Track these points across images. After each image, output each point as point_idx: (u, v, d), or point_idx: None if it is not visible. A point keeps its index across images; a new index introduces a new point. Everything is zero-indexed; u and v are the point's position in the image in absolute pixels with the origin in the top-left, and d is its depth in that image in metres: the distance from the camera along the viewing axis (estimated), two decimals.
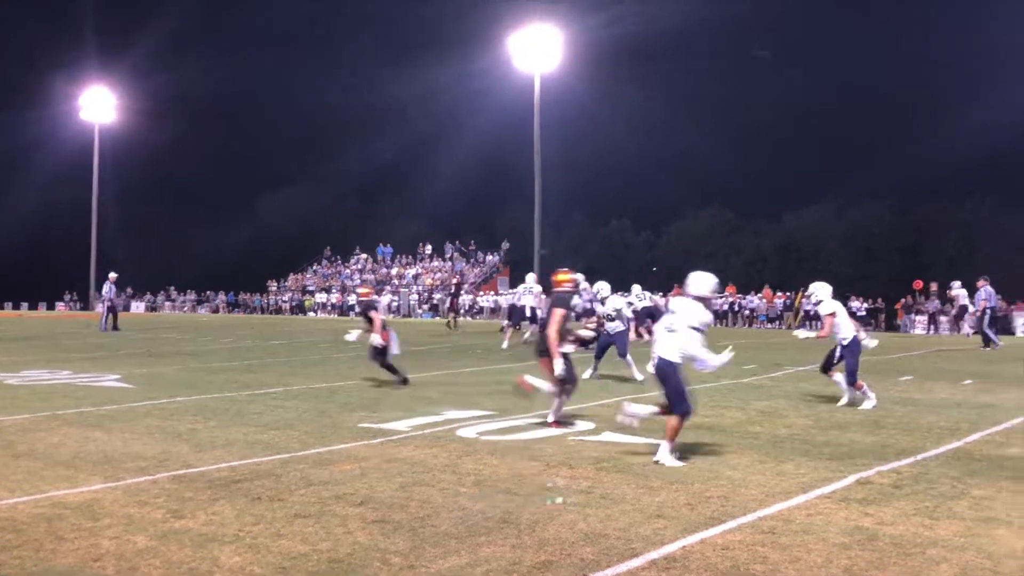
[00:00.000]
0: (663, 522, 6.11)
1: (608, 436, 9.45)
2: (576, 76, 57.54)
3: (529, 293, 25.48)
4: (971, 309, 27.40)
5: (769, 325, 41.67)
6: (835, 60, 79.83)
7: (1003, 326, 36.47)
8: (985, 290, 24.70)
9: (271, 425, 10.15)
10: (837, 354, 12.13)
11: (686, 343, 8.06)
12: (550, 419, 10.09)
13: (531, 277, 26.66)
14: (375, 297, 15.95)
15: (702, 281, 8.30)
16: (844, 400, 12.01)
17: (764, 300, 43.43)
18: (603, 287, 16.02)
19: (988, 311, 24.64)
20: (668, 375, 8.13)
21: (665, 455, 8.02)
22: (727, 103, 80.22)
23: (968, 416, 11.02)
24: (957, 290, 28.97)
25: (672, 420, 8.11)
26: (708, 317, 8.30)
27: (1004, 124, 58.83)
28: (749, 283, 46.63)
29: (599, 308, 15.76)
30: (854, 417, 10.98)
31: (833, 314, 11.91)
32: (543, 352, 9.99)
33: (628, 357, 15.08)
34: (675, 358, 8.10)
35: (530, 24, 47.43)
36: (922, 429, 10.04)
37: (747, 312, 43.30)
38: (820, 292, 12.27)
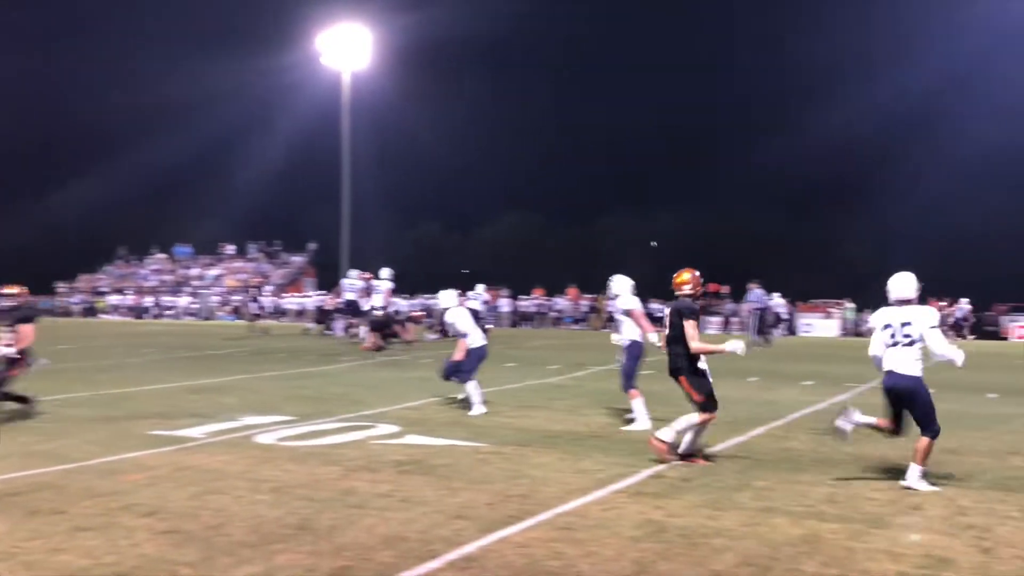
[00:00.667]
0: (463, 523, 6.13)
1: (411, 439, 9.41)
2: (387, 76, 57.35)
3: (351, 290, 26.07)
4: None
5: (575, 326, 42.73)
6: (647, 73, 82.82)
7: (788, 327, 38.94)
8: (754, 293, 26.32)
9: (54, 434, 9.53)
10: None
11: (934, 346, 7.29)
12: (682, 449, 8.26)
13: (354, 272, 27.22)
14: (32, 300, 13.41)
15: (908, 283, 7.57)
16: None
17: (570, 301, 44.52)
18: (445, 296, 12.95)
19: (757, 312, 26.31)
20: (918, 393, 7.29)
21: (916, 479, 7.28)
22: (537, 109, 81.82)
23: (753, 411, 11.65)
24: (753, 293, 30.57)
25: (923, 442, 7.26)
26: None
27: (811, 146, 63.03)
28: (556, 285, 47.62)
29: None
30: (652, 414, 11.35)
31: (630, 311, 11.17)
32: (679, 371, 8.35)
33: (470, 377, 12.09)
34: (919, 372, 7.28)
35: (340, 21, 46.77)
36: (710, 425, 10.49)
37: (554, 314, 44.25)
38: (618, 286, 11.31)
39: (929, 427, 7.27)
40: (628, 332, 10.76)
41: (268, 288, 52.11)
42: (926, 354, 7.29)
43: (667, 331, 8.45)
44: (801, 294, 44.57)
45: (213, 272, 60.87)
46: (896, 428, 7.55)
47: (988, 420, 11.16)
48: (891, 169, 68.30)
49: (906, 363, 7.26)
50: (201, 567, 5.13)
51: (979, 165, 63.30)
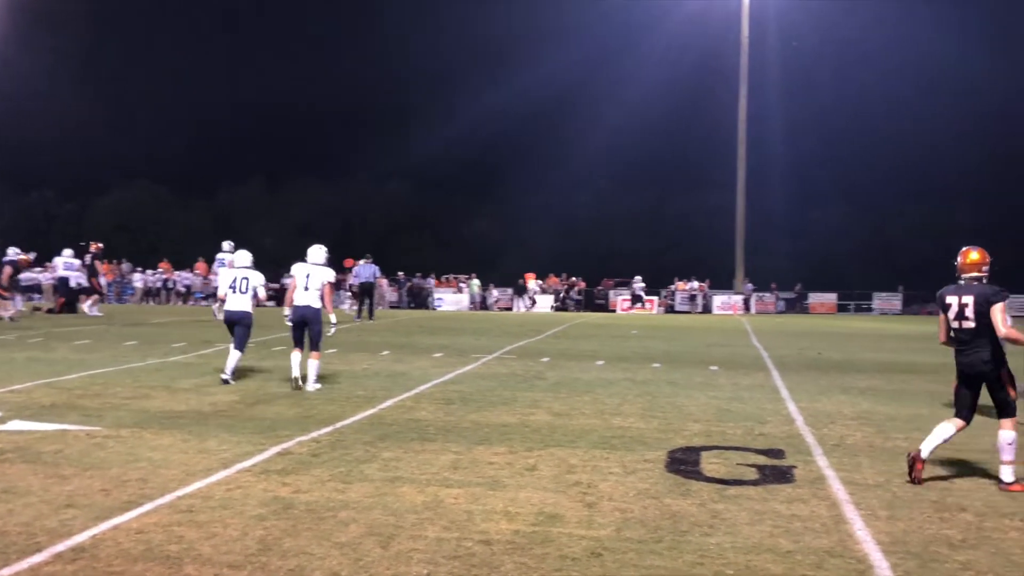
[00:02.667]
0: (73, 512, 5.68)
1: (14, 425, 8.55)
2: None
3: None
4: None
5: (204, 302, 41.08)
6: (292, 47, 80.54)
7: (422, 300, 40.09)
8: (367, 268, 27.07)
9: None
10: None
11: None
12: (1007, 480, 6.81)
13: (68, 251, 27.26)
14: None
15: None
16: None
17: (199, 275, 42.70)
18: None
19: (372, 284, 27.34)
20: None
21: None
22: (167, 76, 76.99)
23: (384, 384, 11.85)
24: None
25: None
26: None
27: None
28: (183, 259, 45.37)
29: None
30: (280, 390, 11.21)
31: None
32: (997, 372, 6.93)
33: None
34: None
35: None
36: (342, 399, 10.57)
37: (182, 288, 42.21)
38: (240, 260, 12.64)
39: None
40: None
41: None
42: None
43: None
44: (435, 270, 46.10)
45: None
46: None
47: (595, 385, 12.13)
48: (520, 154, 72.32)
49: None
50: None
51: (595, 155, 68.77)
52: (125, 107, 73.42)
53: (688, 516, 5.80)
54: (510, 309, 40.85)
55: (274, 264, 40.00)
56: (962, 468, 7.39)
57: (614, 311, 40.11)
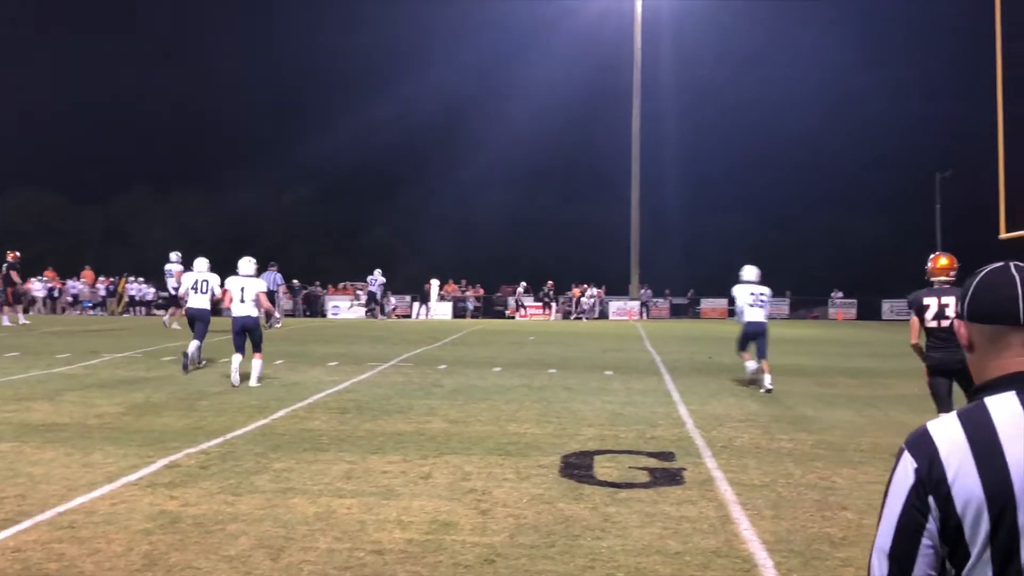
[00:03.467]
0: None
1: None
2: None
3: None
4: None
5: (92, 311, 39.79)
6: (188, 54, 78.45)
7: (317, 308, 39.65)
8: (268, 275, 26.84)
9: None
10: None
11: None
12: None
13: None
14: None
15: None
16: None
17: (86, 284, 41.35)
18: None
19: (274, 292, 26.98)
20: None
21: None
22: (57, 80, 74.16)
23: (277, 394, 11.67)
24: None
25: None
26: None
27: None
28: (71, 267, 43.85)
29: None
30: (169, 401, 10.94)
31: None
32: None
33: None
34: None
35: None
36: (234, 409, 10.37)
37: (69, 298, 40.79)
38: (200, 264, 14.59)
39: None
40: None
41: None
42: None
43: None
44: (330, 277, 45.60)
45: None
46: None
47: (491, 391, 12.18)
48: (419, 161, 72.15)
49: None
50: None
51: (494, 161, 69.08)
52: (10, 112, 70.60)
53: (580, 520, 5.87)
54: (408, 316, 40.66)
55: (161, 274, 39.06)
56: (844, 468, 7.65)
57: (513, 317, 40.31)
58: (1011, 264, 1.79)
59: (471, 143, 68.86)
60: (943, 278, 7.93)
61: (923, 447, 1.68)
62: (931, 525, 1.65)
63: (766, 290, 13.34)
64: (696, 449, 8.34)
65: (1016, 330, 1.72)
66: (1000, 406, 1.67)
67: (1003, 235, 26.79)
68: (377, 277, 36.99)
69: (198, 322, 14.33)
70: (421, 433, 8.97)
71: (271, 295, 26.62)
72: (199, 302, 14.35)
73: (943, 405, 7.64)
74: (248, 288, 12.88)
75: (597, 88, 65.49)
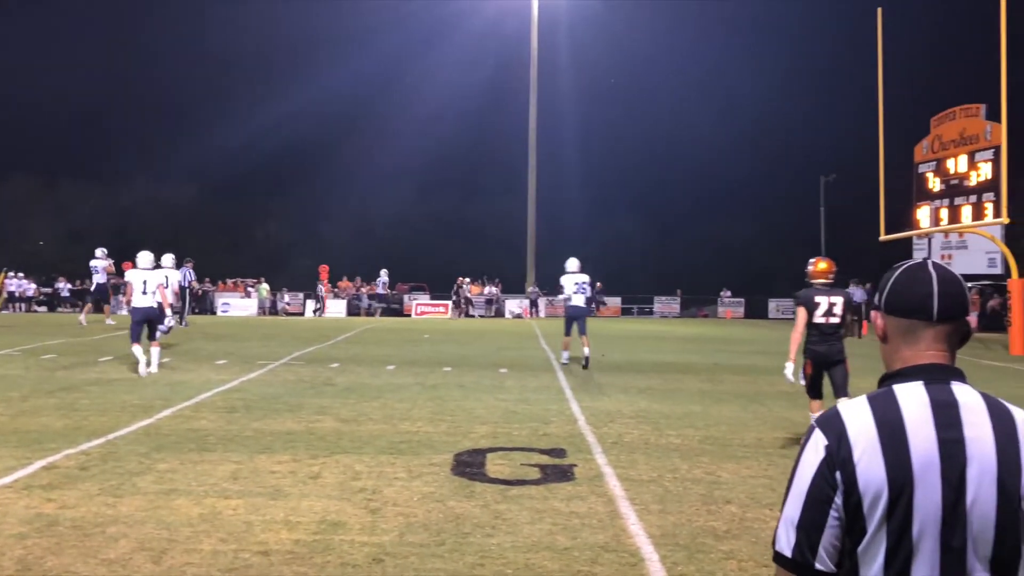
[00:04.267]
0: None
1: None
2: None
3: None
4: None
5: None
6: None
7: (206, 306, 38.76)
8: (182, 271, 26.13)
9: None
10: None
11: None
12: None
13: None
14: None
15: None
16: None
17: None
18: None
19: (186, 289, 26.29)
20: None
21: None
22: None
23: (162, 393, 11.35)
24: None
25: None
26: None
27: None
28: None
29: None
30: (47, 402, 10.54)
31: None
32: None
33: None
34: None
35: None
36: (116, 409, 10.06)
37: None
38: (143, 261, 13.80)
39: None
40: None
41: None
42: None
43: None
44: (220, 273, 44.63)
45: None
46: None
47: (384, 390, 12.09)
48: (315, 157, 71.19)
49: None
50: None
51: (393, 159, 68.67)
52: None
53: (471, 518, 5.88)
54: (301, 314, 40.07)
55: (49, 267, 37.69)
56: (729, 463, 7.84)
57: (409, 315, 40.10)
58: (928, 261, 1.87)
59: (371, 140, 68.40)
60: (823, 280, 8.63)
61: (834, 426, 1.76)
62: (838, 499, 1.71)
63: (586, 278, 15.94)
64: (587, 445, 8.44)
65: (929, 325, 1.81)
66: (908, 394, 1.75)
67: (883, 237, 27.90)
68: (383, 277, 39.90)
69: (150, 322, 13.58)
70: (311, 432, 8.85)
71: (184, 291, 26.16)
72: (147, 301, 13.47)
73: (816, 393, 8.54)
74: (150, 281, 13.49)
75: (496, 89, 65.78)
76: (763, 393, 12.51)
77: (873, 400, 1.77)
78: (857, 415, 1.75)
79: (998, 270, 30.07)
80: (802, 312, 8.51)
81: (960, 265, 32.08)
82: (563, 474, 7.23)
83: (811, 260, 8.85)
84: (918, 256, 34.12)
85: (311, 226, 65.92)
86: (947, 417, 1.71)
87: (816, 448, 1.76)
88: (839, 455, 1.72)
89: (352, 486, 6.69)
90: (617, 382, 13.50)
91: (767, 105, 68.69)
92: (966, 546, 1.67)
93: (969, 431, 1.70)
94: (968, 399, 1.74)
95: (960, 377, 1.79)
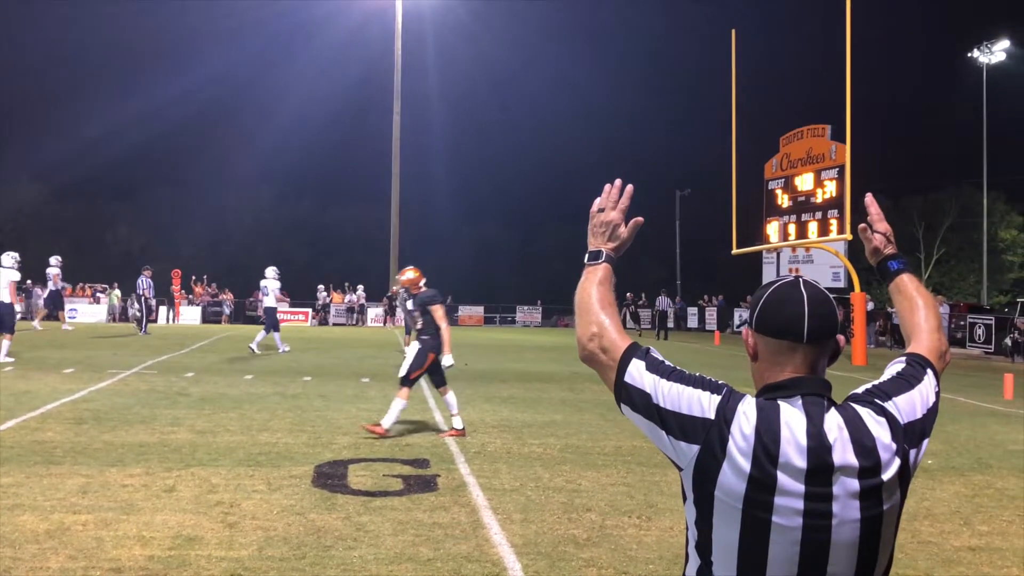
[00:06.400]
0: None
1: None
2: None
3: None
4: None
5: None
6: None
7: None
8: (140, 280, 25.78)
9: None
10: None
11: None
12: (459, 426, 10.26)
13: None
14: None
15: None
16: None
17: None
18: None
19: (142, 298, 26.82)
20: None
21: None
22: None
23: (4, 403, 10.78)
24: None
25: None
26: None
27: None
28: None
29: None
30: None
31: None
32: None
33: None
34: None
35: None
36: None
37: None
38: None
39: None
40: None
41: None
42: None
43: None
44: (65, 278, 42.64)
45: None
46: None
47: (242, 400, 11.81)
48: (171, 160, 69.10)
49: None
50: None
51: (253, 162, 67.15)
52: None
53: (333, 530, 5.81)
54: (155, 321, 38.68)
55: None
56: (589, 471, 7.99)
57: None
58: (800, 280, 1.90)
59: (230, 143, 66.85)
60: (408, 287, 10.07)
61: (735, 400, 1.79)
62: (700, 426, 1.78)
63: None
64: (450, 455, 8.46)
65: (800, 346, 1.84)
66: (788, 409, 1.78)
67: (735, 251, 28.95)
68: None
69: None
70: (165, 444, 8.56)
71: (145, 300, 25.55)
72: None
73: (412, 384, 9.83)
74: (2, 277, 15.85)
75: (362, 93, 65.28)
76: None
77: (760, 405, 1.79)
78: (747, 409, 1.77)
79: (842, 284, 31.60)
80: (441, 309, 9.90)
81: (807, 278, 33.52)
82: (426, 484, 7.23)
83: (402, 269, 10.27)
84: (768, 270, 35.69)
85: (165, 232, 63.74)
86: (816, 427, 1.75)
87: (715, 392, 1.81)
88: (723, 415, 1.76)
89: (208, 499, 6.51)
90: (480, 391, 13.57)
91: (627, 118, 70.60)
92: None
93: (835, 444, 1.74)
94: (832, 413, 1.79)
95: (827, 391, 1.84)
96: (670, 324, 44.39)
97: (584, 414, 11.47)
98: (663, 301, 36.92)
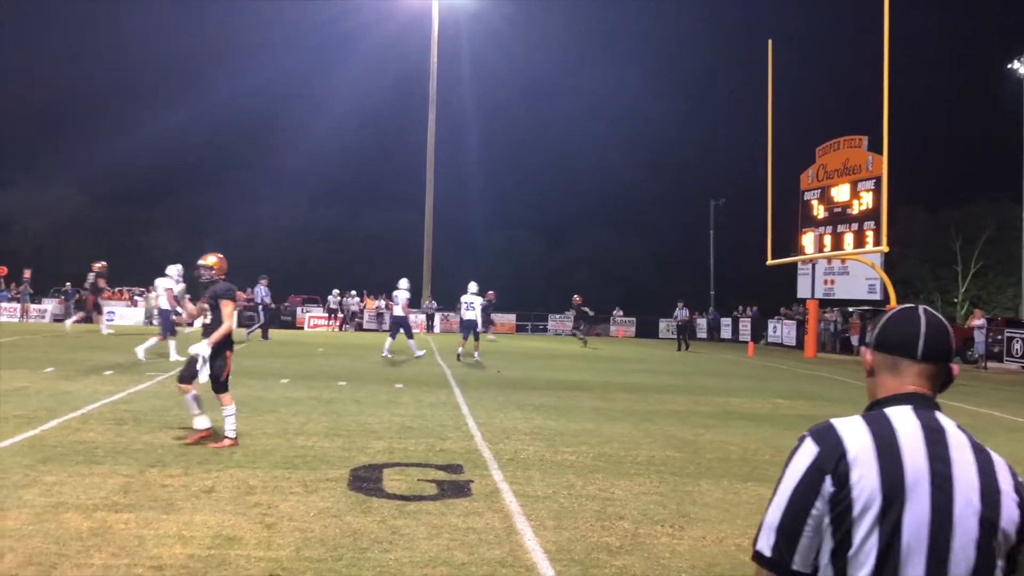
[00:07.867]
0: None
1: None
2: None
3: None
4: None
5: None
6: None
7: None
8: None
9: None
10: None
11: None
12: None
13: None
14: None
15: None
16: None
17: None
18: None
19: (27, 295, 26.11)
20: None
21: None
22: None
23: (47, 404, 11.00)
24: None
25: None
26: None
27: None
28: None
29: None
30: None
31: None
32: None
33: None
34: None
35: None
36: None
37: None
38: None
39: None
40: None
41: None
42: None
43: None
44: (107, 280, 43.19)
45: None
46: None
47: (278, 403, 11.95)
48: (208, 165, 69.92)
49: None
50: None
51: (289, 168, 67.84)
52: None
53: (368, 533, 5.89)
54: (191, 324, 39.09)
55: None
56: (622, 479, 8.03)
57: (302, 328, 39.59)
58: (920, 308, 2.03)
59: (266, 149, 67.51)
60: (206, 275, 9.17)
61: (828, 437, 1.89)
62: (821, 505, 1.84)
63: (476, 299, 21.50)
64: (484, 461, 8.53)
65: (913, 363, 1.97)
66: (900, 416, 1.91)
67: (770, 261, 28.82)
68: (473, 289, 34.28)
69: None
70: (203, 446, 8.70)
71: (266, 307, 26.46)
72: None
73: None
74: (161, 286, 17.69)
75: (398, 101, 65.72)
76: (654, 411, 12.81)
77: (867, 418, 1.92)
78: (853, 428, 1.89)
79: (877, 296, 31.34)
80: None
81: (841, 290, 33.35)
82: (460, 490, 7.30)
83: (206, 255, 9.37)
84: (802, 282, 35.43)
85: (201, 233, 64.45)
86: (936, 440, 1.86)
87: (807, 455, 1.88)
88: (831, 463, 1.84)
89: (247, 500, 6.62)
90: (513, 399, 13.63)
91: (665, 128, 70.48)
92: (949, 559, 1.79)
93: (956, 455, 1.85)
94: (952, 429, 1.90)
95: (940, 410, 1.95)
96: (701, 335, 44.16)
97: (617, 423, 11.50)
98: (682, 312, 35.36)
